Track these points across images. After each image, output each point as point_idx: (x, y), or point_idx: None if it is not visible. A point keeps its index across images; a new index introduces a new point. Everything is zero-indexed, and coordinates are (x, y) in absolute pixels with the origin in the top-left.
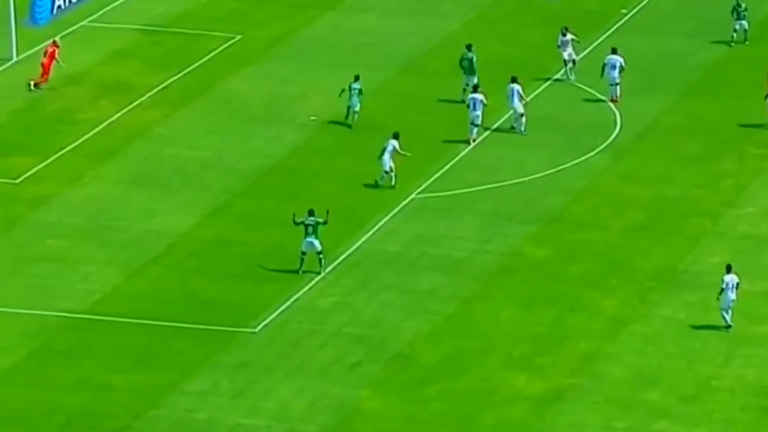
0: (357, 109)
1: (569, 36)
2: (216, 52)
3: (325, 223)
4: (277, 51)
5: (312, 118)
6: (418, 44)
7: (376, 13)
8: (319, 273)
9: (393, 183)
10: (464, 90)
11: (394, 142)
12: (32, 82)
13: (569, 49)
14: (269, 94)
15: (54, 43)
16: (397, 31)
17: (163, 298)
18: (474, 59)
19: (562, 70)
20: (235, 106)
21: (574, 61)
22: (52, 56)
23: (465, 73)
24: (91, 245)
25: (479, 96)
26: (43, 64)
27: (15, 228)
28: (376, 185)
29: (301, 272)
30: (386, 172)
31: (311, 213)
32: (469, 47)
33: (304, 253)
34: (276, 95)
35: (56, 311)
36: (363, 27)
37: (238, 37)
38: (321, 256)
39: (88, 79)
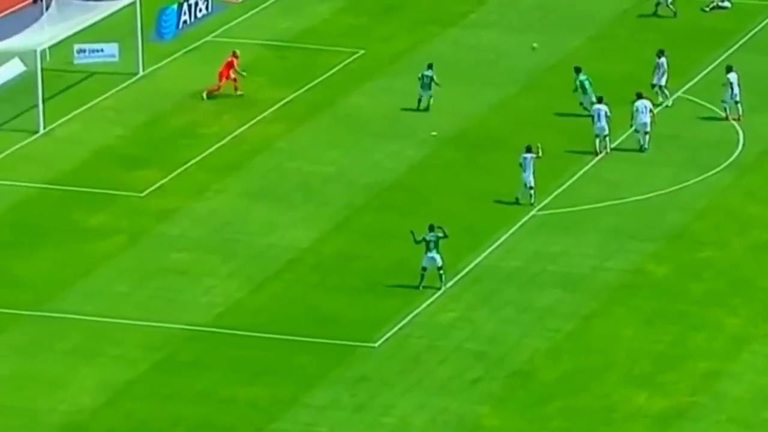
0: (430, 94)
1: (663, 59)
2: (339, 67)
3: (445, 236)
4: (399, 66)
5: (433, 133)
6: (539, 61)
7: (498, 29)
8: (439, 288)
9: (532, 200)
10: (584, 109)
11: (530, 156)
12: (205, 92)
13: (659, 73)
14: (390, 109)
15: (234, 54)
16: (518, 47)
17: (285, 312)
18: (585, 81)
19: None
20: (357, 121)
21: (660, 86)
22: (229, 66)
23: (583, 93)
24: (214, 258)
25: (603, 107)
26: (220, 73)
27: (140, 241)
28: (516, 202)
29: (421, 288)
30: (529, 188)
31: (431, 228)
32: (577, 70)
33: (424, 269)
34: (397, 110)
35: (180, 324)
36: (484, 43)
37: (361, 52)
38: (441, 271)
39: (212, 95)
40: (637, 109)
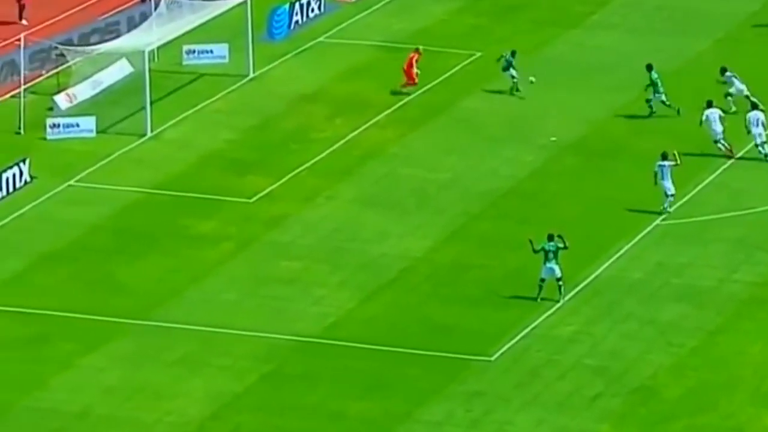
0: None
1: (729, 74)
2: (455, 69)
3: (565, 247)
4: (518, 69)
5: (552, 138)
6: (663, 64)
7: (621, 30)
8: (558, 301)
9: (669, 209)
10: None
11: (667, 163)
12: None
13: (736, 84)
14: (508, 113)
15: (417, 50)
16: (641, 49)
17: (398, 323)
18: (656, 79)
19: None
20: (474, 126)
21: (729, 94)
22: (411, 63)
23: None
24: (324, 267)
25: (760, 115)
26: (404, 70)
27: (249, 248)
28: (663, 212)
29: (539, 300)
30: (670, 196)
31: (550, 238)
32: (649, 67)
33: (543, 280)
34: (515, 115)
35: (289, 334)
36: (606, 45)
37: (478, 54)
38: (560, 283)
39: (324, 97)
40: (749, 121)
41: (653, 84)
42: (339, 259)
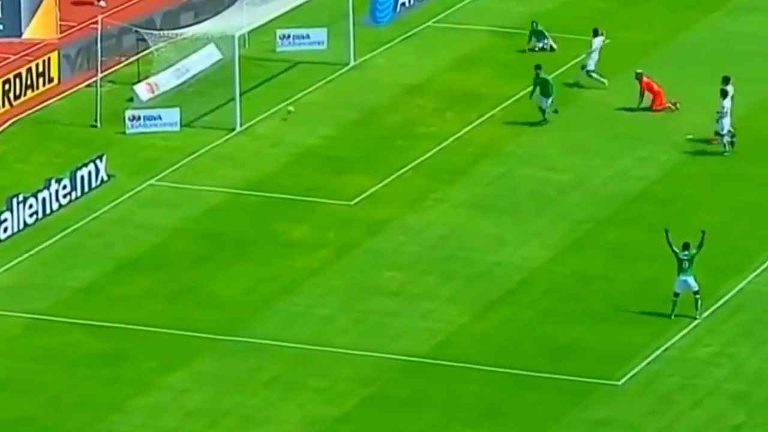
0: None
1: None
2: (580, 58)
3: (701, 245)
4: (650, 58)
5: (689, 136)
6: None
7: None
8: (695, 318)
9: None
10: None
11: None
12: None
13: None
14: (640, 108)
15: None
16: None
17: (514, 342)
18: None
19: None
20: (600, 122)
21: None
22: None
23: None
24: (432, 278)
25: None
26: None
27: (348, 256)
28: None
29: (673, 317)
30: None
31: (685, 247)
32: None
33: (677, 294)
34: (647, 110)
35: (393, 353)
36: (751, 31)
37: (606, 40)
38: (698, 296)
39: (433, 88)
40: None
41: None
42: (449, 270)
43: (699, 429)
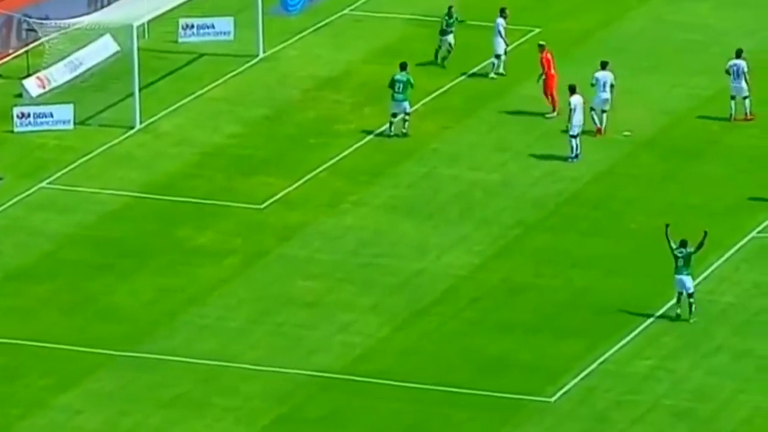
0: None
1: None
2: (508, 49)
3: (701, 245)
4: (584, 49)
5: (626, 133)
6: (760, 44)
7: (712, 2)
8: (688, 321)
9: None
10: None
11: None
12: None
13: None
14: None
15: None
16: (734, 26)
17: (439, 356)
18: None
19: None
20: (531, 118)
21: None
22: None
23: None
24: (350, 288)
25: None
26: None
27: (258, 264)
28: None
29: (675, 315)
30: None
31: (683, 243)
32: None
33: (680, 293)
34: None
35: (308, 369)
36: (693, 21)
37: (536, 30)
38: (692, 300)
39: (349, 82)
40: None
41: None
42: (368, 278)
43: None
